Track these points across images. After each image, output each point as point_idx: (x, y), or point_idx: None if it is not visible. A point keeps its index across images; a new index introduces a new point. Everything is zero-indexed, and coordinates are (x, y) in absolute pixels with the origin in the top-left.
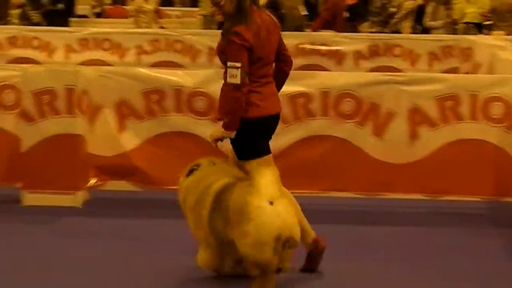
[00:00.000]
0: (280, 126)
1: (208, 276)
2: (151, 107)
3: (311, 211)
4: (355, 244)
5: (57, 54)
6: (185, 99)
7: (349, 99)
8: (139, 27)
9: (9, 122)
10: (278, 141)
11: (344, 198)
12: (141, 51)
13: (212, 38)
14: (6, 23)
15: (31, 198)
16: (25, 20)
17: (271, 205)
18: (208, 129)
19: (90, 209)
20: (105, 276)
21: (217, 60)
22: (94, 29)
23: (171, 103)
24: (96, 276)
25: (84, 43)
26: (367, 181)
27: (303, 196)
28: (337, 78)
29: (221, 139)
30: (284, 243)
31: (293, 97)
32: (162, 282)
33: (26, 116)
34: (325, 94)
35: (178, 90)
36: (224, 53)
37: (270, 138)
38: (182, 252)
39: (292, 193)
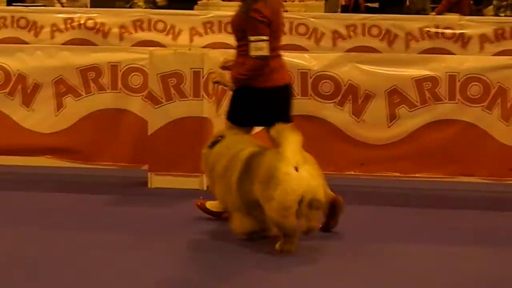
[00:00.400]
0: (406, 110)
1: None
2: None
3: (437, 196)
4: (482, 230)
5: (182, 37)
6: (311, 82)
7: (476, 83)
8: None
9: (136, 104)
10: (405, 125)
11: (471, 183)
12: None
13: (336, 21)
14: (132, 6)
15: (157, 180)
16: (150, 3)
17: (297, 171)
18: (334, 112)
19: None
20: (229, 256)
21: (341, 44)
22: (219, 12)
23: (297, 86)
24: (222, 257)
25: (209, 26)
26: (494, 166)
27: (430, 181)
28: (464, 62)
29: (220, 84)
30: (309, 204)
31: (420, 81)
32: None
33: (153, 99)
34: (452, 78)
35: (304, 73)
36: (243, 29)
37: (280, 110)
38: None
39: (418, 177)
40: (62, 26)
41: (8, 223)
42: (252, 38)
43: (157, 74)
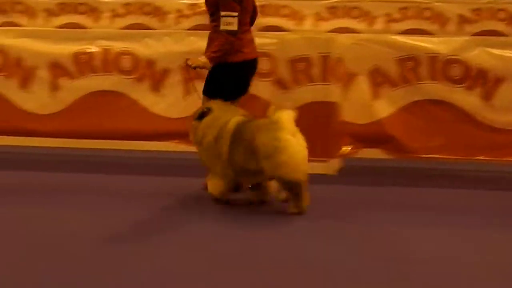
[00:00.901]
0: None
1: None
2: (405, 75)
3: None
4: None
5: (306, 22)
6: (440, 67)
7: None
8: None
9: (264, 89)
10: None
11: None
12: (390, 19)
13: (461, 5)
14: None
15: None
16: None
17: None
18: (464, 96)
19: (343, 177)
20: (352, 245)
21: (466, 28)
22: None
23: (426, 71)
24: (340, 245)
25: (333, 11)
26: None
27: None
28: None
29: (199, 68)
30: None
31: None
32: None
33: (281, 84)
34: None
35: (433, 58)
36: (216, 5)
37: (250, 81)
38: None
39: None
40: (187, 12)
41: (138, 207)
42: (222, 13)
43: (286, 58)
